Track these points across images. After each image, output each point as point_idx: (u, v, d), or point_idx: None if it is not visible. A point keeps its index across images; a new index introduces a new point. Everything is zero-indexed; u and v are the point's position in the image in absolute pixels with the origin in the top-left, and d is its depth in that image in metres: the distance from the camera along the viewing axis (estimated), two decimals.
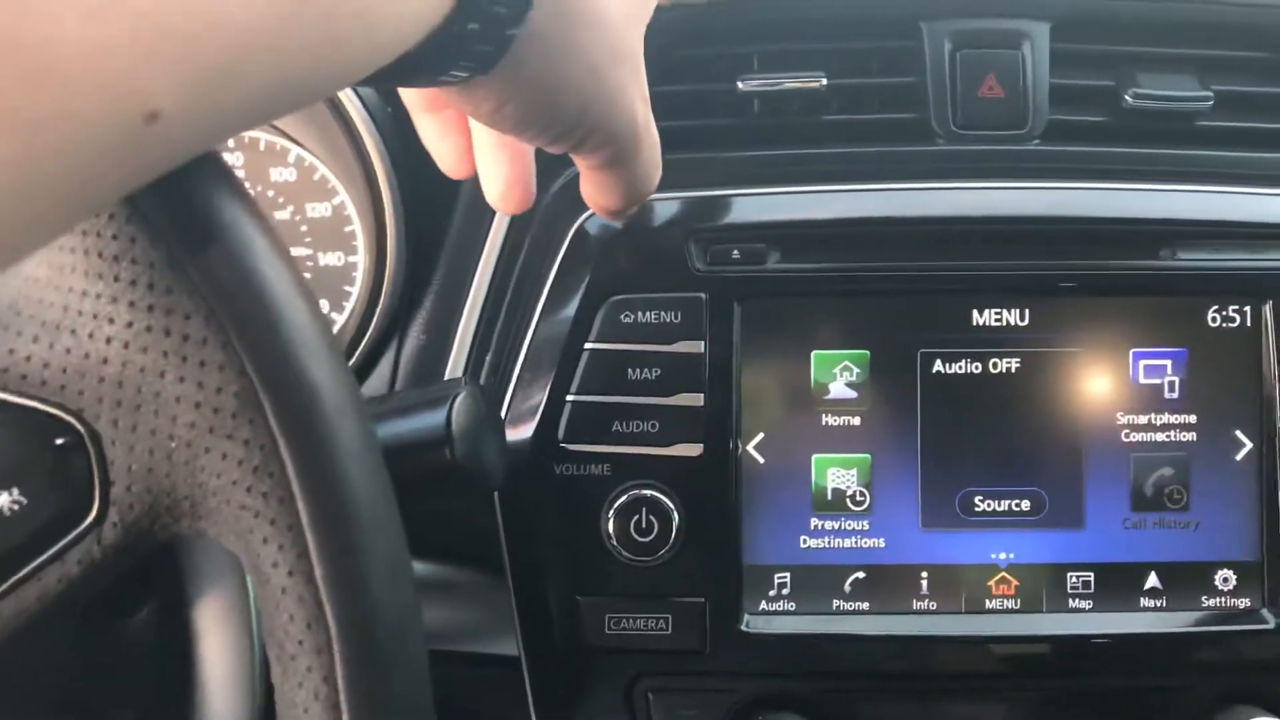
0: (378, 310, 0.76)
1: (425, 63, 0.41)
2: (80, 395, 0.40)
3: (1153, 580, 0.71)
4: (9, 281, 0.41)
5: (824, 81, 0.73)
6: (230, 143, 0.84)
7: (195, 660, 0.53)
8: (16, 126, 0.25)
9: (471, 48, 0.42)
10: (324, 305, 0.83)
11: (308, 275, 0.83)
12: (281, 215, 0.84)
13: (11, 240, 0.28)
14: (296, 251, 0.84)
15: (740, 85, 0.74)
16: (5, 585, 0.40)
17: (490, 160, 0.58)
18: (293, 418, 0.39)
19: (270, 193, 0.84)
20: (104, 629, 0.59)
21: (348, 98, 0.76)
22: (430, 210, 0.77)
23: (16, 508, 0.40)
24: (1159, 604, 0.71)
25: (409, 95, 0.58)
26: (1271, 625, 0.70)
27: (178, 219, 0.39)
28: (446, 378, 0.74)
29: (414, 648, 0.42)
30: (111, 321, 0.39)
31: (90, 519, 0.40)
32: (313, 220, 0.84)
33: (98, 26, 0.26)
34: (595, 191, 0.57)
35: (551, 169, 0.74)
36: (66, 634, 0.57)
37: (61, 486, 0.40)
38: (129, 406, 0.39)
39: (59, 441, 0.40)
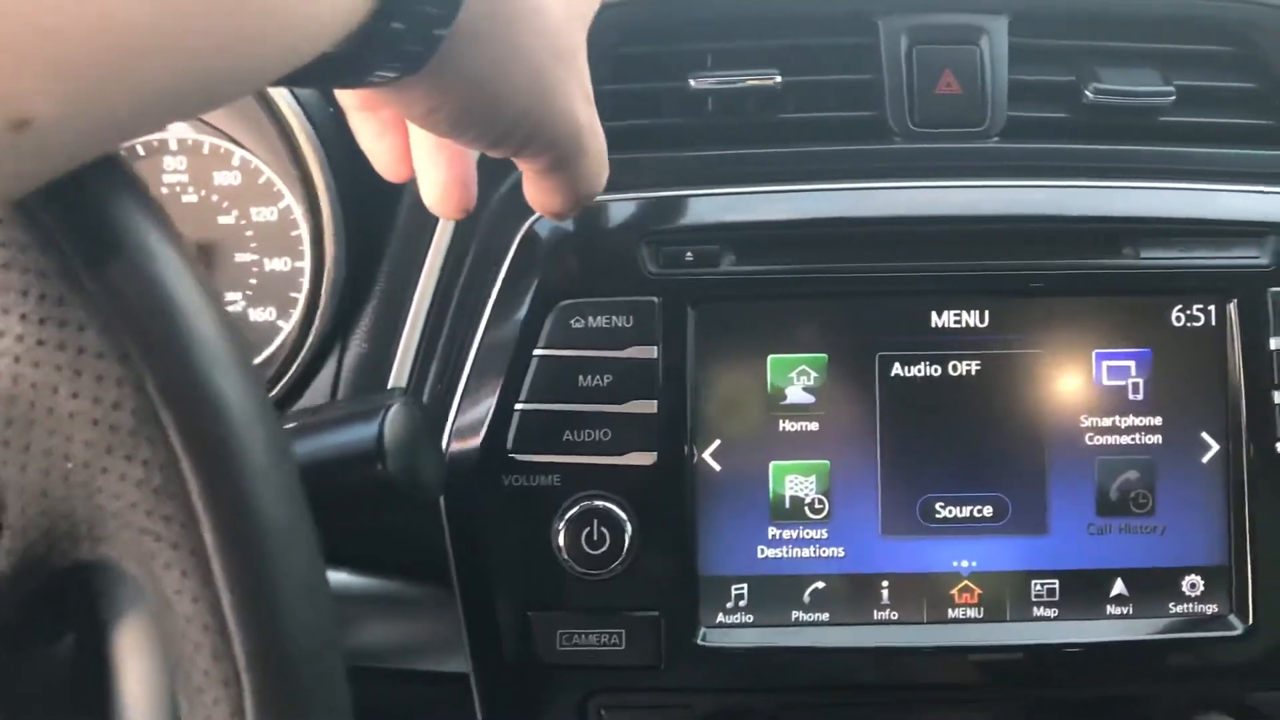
0: (317, 317, 0.73)
1: (349, 63, 0.39)
2: None
3: (1119, 587, 0.70)
4: None
5: (778, 79, 0.71)
6: (172, 145, 0.82)
7: (111, 695, 0.50)
8: None
9: (397, 48, 0.40)
10: (270, 313, 0.81)
11: (253, 281, 0.80)
12: (226, 220, 0.82)
13: None
14: (242, 258, 0.81)
15: (692, 83, 0.72)
16: None
17: (429, 163, 0.56)
18: (195, 435, 0.37)
19: (214, 197, 0.81)
20: (19, 659, 0.56)
21: (283, 98, 0.73)
22: (373, 214, 0.75)
23: None
24: (1125, 611, 0.70)
25: (344, 94, 0.56)
26: (1239, 631, 0.69)
27: (72, 224, 0.36)
28: (390, 386, 0.72)
29: (332, 680, 0.40)
30: (1, 334, 0.36)
31: None
32: (259, 225, 0.81)
33: None
34: (539, 194, 0.55)
35: (498, 169, 0.72)
36: None
37: None
38: (21, 425, 0.37)
39: None
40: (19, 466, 0.37)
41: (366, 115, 0.56)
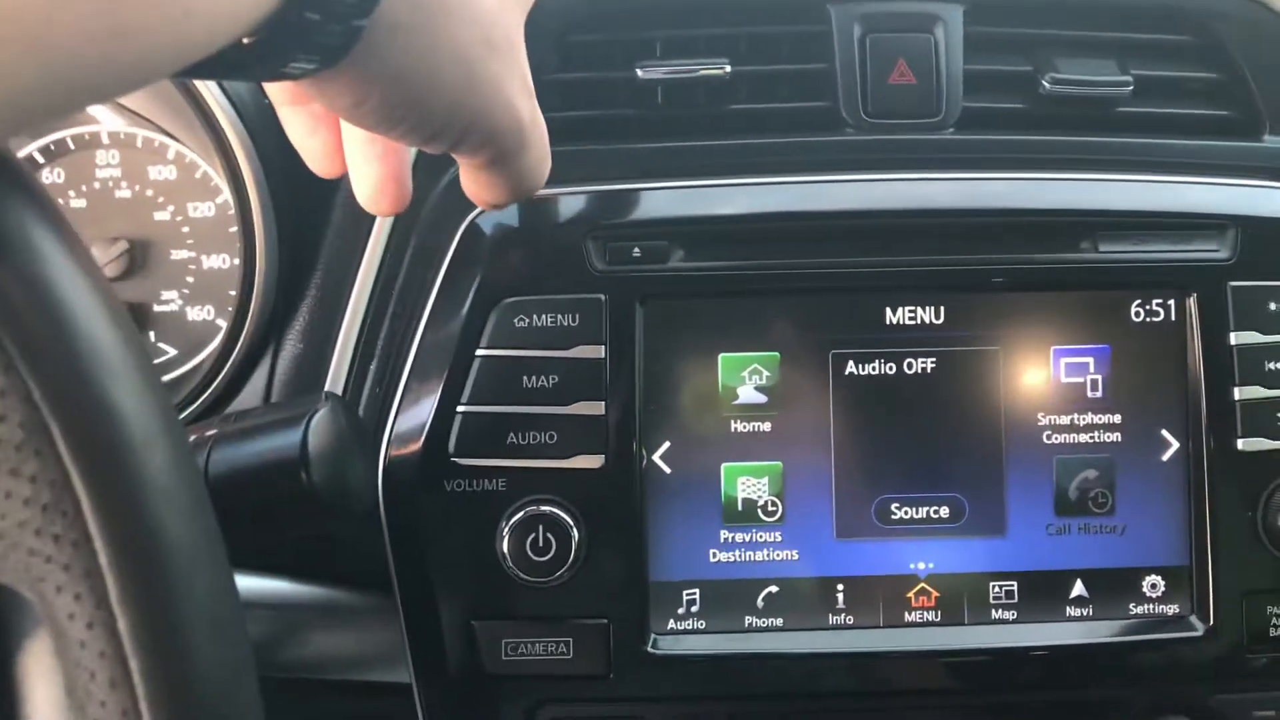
0: (249, 317, 0.70)
1: (262, 54, 0.37)
2: None
3: (1078, 588, 0.68)
4: None
5: (729, 69, 0.69)
6: (104, 139, 0.78)
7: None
8: None
9: (313, 39, 0.38)
10: (209, 312, 0.78)
11: (190, 280, 0.78)
12: (162, 216, 0.79)
13: None
14: (178, 255, 0.78)
15: (640, 73, 0.69)
16: None
17: (360, 158, 0.54)
18: (87, 448, 0.34)
19: (149, 192, 0.78)
20: None
21: (210, 90, 0.70)
22: (308, 210, 0.72)
23: None
24: (1085, 613, 0.68)
25: (271, 88, 0.54)
26: (1200, 632, 0.68)
27: None
28: (326, 388, 0.69)
29: (243, 707, 0.37)
30: None
31: None
32: (195, 220, 0.78)
33: None
34: (477, 188, 0.53)
35: (439, 162, 0.70)
36: None
37: None
38: None
39: None
40: None
41: (296, 110, 0.54)
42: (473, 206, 0.66)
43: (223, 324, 0.76)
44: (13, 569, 0.35)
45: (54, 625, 0.35)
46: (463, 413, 0.66)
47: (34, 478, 0.34)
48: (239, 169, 0.70)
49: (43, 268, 0.34)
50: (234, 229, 0.75)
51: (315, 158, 0.55)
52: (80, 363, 0.34)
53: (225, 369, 0.70)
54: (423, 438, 0.65)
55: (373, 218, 0.69)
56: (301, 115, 0.54)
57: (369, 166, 0.54)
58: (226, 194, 0.76)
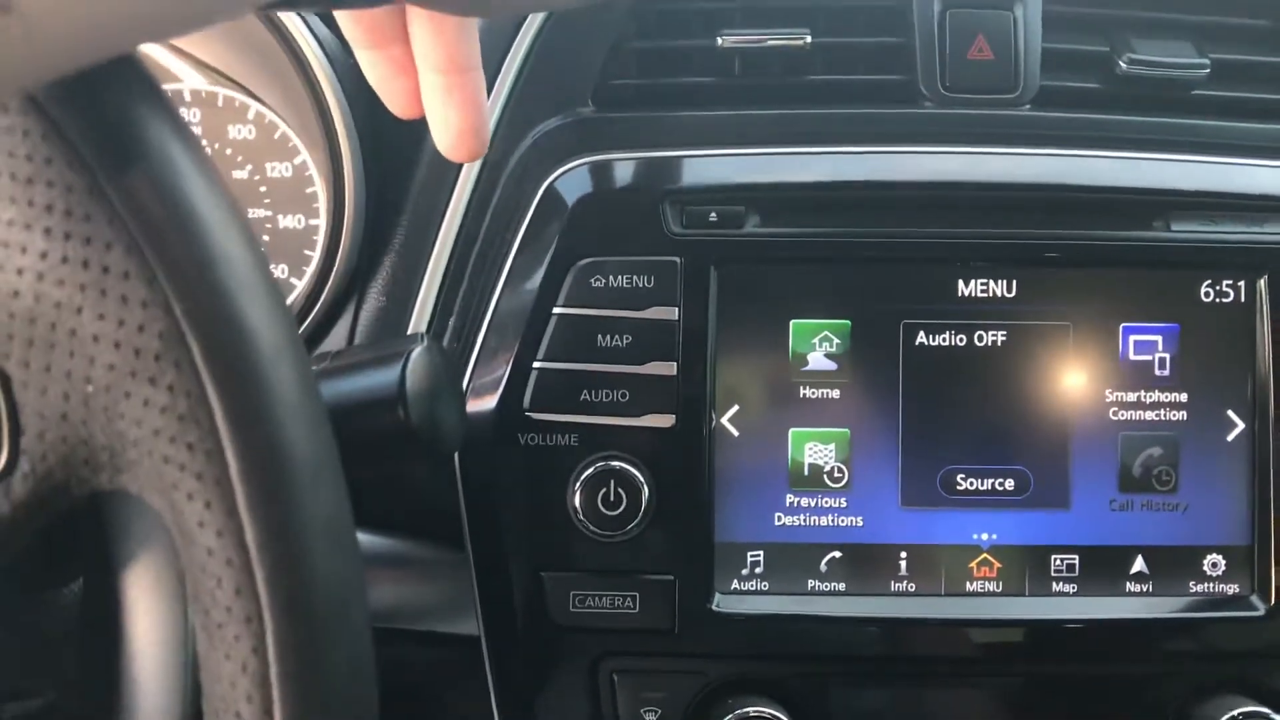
0: (334, 270, 0.72)
1: None
2: None
3: (1139, 564, 0.69)
4: None
5: (808, 39, 0.70)
6: (186, 96, 0.80)
7: (123, 632, 0.49)
8: None
9: None
10: (283, 271, 0.80)
11: (266, 239, 0.79)
12: (239, 175, 0.80)
13: None
14: (254, 214, 0.80)
15: (721, 41, 0.70)
16: None
17: (439, 105, 0.54)
18: (223, 361, 0.36)
19: (228, 151, 0.80)
20: (30, 601, 0.55)
21: (306, 44, 0.72)
22: (394, 167, 0.73)
23: None
24: (1145, 589, 0.69)
25: (350, 30, 0.54)
26: (1261, 612, 0.68)
27: (99, 139, 0.35)
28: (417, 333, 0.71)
29: (355, 619, 0.39)
30: (24, 250, 0.35)
31: None
32: (272, 180, 0.80)
33: None
34: None
35: (521, 125, 0.71)
36: None
37: None
38: (42, 345, 0.36)
39: None
40: (39, 389, 0.36)
41: (375, 53, 0.54)
42: (553, 169, 0.68)
43: (296, 283, 0.77)
44: (145, 476, 0.37)
45: (182, 532, 0.37)
46: (538, 369, 0.67)
47: (171, 387, 0.36)
48: (334, 125, 0.72)
49: (181, 181, 0.36)
50: (310, 189, 0.77)
51: (395, 100, 0.55)
52: (217, 279, 0.36)
53: (309, 320, 0.72)
54: (499, 392, 0.67)
55: (456, 177, 0.71)
56: (382, 59, 0.54)
57: (449, 114, 0.54)
58: (304, 155, 0.77)
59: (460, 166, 0.70)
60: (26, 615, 0.55)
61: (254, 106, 0.80)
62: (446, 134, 0.54)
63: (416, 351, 0.52)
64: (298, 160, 0.79)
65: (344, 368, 0.52)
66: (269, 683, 0.36)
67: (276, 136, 0.79)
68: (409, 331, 0.72)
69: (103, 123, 0.35)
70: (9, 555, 0.39)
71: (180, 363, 0.35)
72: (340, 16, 0.53)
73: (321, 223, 0.76)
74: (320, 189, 0.77)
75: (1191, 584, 0.69)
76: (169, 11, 0.31)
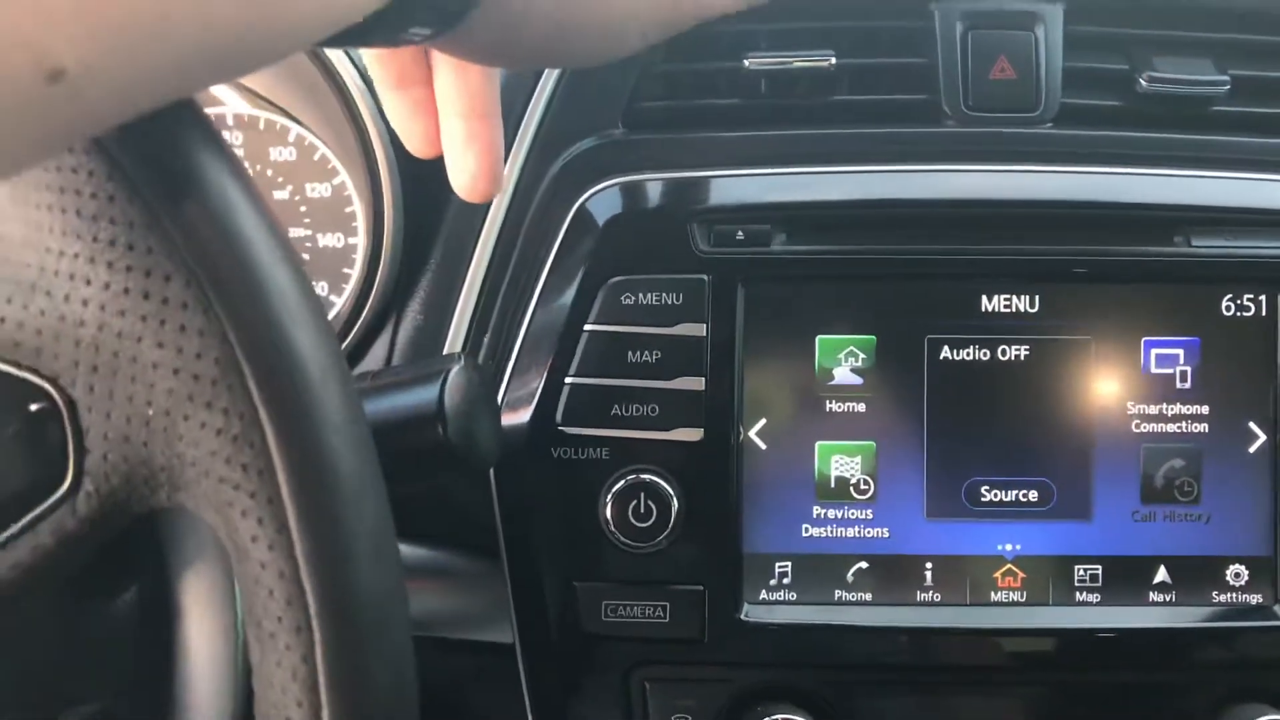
0: (374, 290, 0.74)
1: (383, 21, 0.38)
2: (55, 359, 0.38)
3: (1162, 574, 0.70)
4: None
5: (833, 61, 0.71)
6: (229, 120, 0.83)
7: (176, 641, 0.52)
8: None
9: (433, 2, 0.39)
10: (322, 288, 0.82)
11: (306, 257, 0.82)
12: (280, 195, 0.83)
13: None
14: (295, 233, 0.82)
15: (747, 63, 0.72)
16: None
17: (459, 148, 0.55)
18: (274, 386, 0.38)
19: (269, 172, 0.82)
20: (86, 610, 0.57)
21: (346, 71, 0.74)
22: (430, 189, 0.76)
23: None
24: (1168, 599, 0.70)
25: (375, 70, 0.56)
26: None
27: (158, 177, 0.37)
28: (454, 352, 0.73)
29: (398, 628, 0.41)
30: (89, 283, 0.38)
31: (64, 489, 0.39)
32: (312, 200, 0.83)
33: None
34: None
35: (553, 147, 0.73)
36: (44, 615, 0.55)
37: (34, 454, 0.39)
38: (105, 372, 0.38)
39: (32, 407, 0.39)
40: (103, 413, 0.39)
41: (398, 92, 0.56)
42: (584, 190, 0.70)
43: (335, 300, 0.80)
44: (202, 495, 0.39)
45: (236, 547, 0.39)
46: (570, 384, 0.69)
47: (226, 410, 0.38)
48: (372, 148, 0.74)
49: (235, 217, 0.38)
50: (349, 209, 0.79)
51: (414, 140, 0.57)
52: (269, 308, 0.38)
53: (350, 337, 0.74)
54: (532, 407, 0.69)
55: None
56: (404, 99, 0.56)
57: (467, 158, 0.55)
58: (343, 175, 0.80)
59: None
60: (81, 625, 0.58)
61: (294, 129, 0.82)
62: (463, 176, 0.56)
63: (454, 370, 0.54)
64: (336, 181, 0.81)
65: (385, 386, 0.54)
66: (318, 688, 0.38)
67: (316, 158, 0.82)
68: (445, 348, 0.74)
69: (162, 162, 0.37)
70: (72, 568, 0.41)
71: (234, 387, 0.38)
72: (367, 57, 0.55)
73: (360, 241, 0.79)
74: (359, 209, 0.79)
75: (1214, 594, 0.70)
76: (213, 65, 0.32)
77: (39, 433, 0.39)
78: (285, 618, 0.38)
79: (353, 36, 0.38)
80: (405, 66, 0.54)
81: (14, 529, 0.39)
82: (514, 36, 0.43)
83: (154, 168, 0.37)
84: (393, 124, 0.57)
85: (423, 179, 0.76)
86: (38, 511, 0.39)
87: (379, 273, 0.75)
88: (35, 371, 0.38)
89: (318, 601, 0.38)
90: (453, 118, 0.55)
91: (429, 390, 0.53)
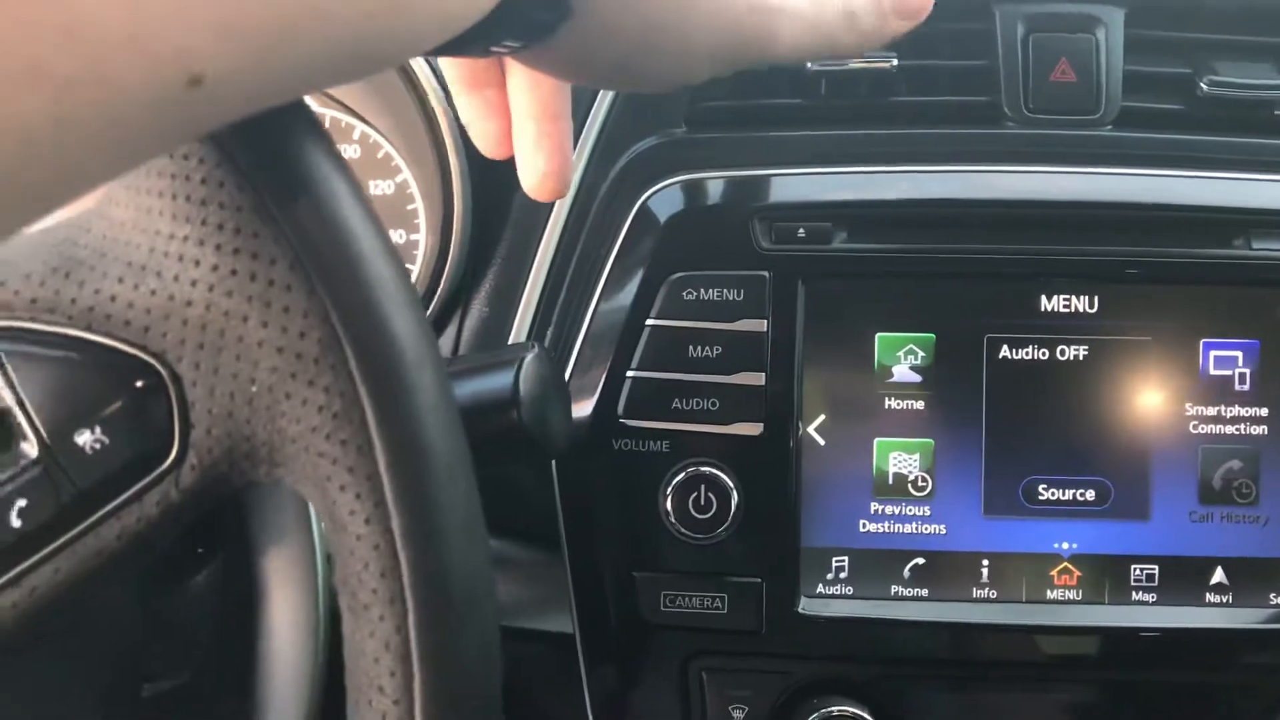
0: (441, 284, 0.76)
1: (477, 33, 0.39)
2: (163, 337, 0.40)
3: (1219, 575, 0.70)
4: (95, 223, 0.41)
5: (895, 62, 0.72)
6: None
7: (259, 614, 0.53)
8: (45, 80, 0.24)
9: (528, 16, 0.40)
10: None
11: None
12: None
13: (48, 189, 0.27)
14: None
15: (809, 64, 0.73)
16: (86, 523, 0.40)
17: (529, 149, 0.56)
18: (374, 366, 0.39)
19: None
20: (165, 587, 0.59)
21: (422, 73, 0.76)
22: (495, 183, 0.77)
23: (98, 446, 0.40)
24: (1225, 600, 0.70)
25: (450, 72, 0.57)
26: None
27: (267, 166, 0.39)
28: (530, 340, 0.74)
29: (486, 602, 0.42)
30: (197, 264, 0.39)
31: (169, 461, 0.41)
32: (376, 197, 0.84)
33: None
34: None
35: (616, 145, 0.74)
36: (128, 592, 0.57)
37: (142, 428, 0.40)
38: (211, 350, 0.40)
39: (140, 383, 0.40)
40: (208, 389, 0.40)
41: (473, 95, 0.57)
42: (646, 187, 0.71)
43: None
44: (301, 469, 0.41)
45: (334, 521, 0.40)
46: (632, 378, 0.70)
47: (328, 388, 0.39)
48: (444, 146, 0.76)
49: (338, 206, 0.40)
50: (411, 206, 0.81)
51: (486, 141, 0.58)
52: (368, 290, 0.39)
53: None
54: (594, 399, 0.70)
55: None
56: (477, 100, 0.57)
57: (537, 158, 0.56)
58: (405, 173, 0.82)
59: None
60: (160, 602, 0.59)
61: (359, 127, 0.84)
62: (533, 176, 0.57)
63: (529, 358, 0.56)
64: (399, 179, 0.83)
65: (460, 372, 0.55)
66: (410, 659, 0.40)
67: (380, 156, 0.84)
68: (510, 340, 0.75)
69: (270, 150, 0.39)
70: (172, 539, 0.43)
71: (336, 366, 0.39)
72: (444, 60, 0.56)
73: (421, 237, 0.80)
74: (420, 205, 0.81)
75: (1272, 596, 0.70)
76: (331, 71, 0.34)
77: (146, 407, 0.40)
78: (380, 590, 0.40)
79: (452, 46, 0.39)
80: (479, 69, 0.55)
81: (121, 499, 0.40)
82: (593, 57, 0.44)
83: (263, 156, 0.39)
84: (465, 124, 0.58)
85: (489, 178, 0.77)
86: (144, 483, 0.41)
87: (447, 267, 0.77)
88: (144, 349, 0.40)
89: (412, 574, 0.40)
90: (524, 119, 0.56)
91: (504, 376, 0.55)
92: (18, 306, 0.40)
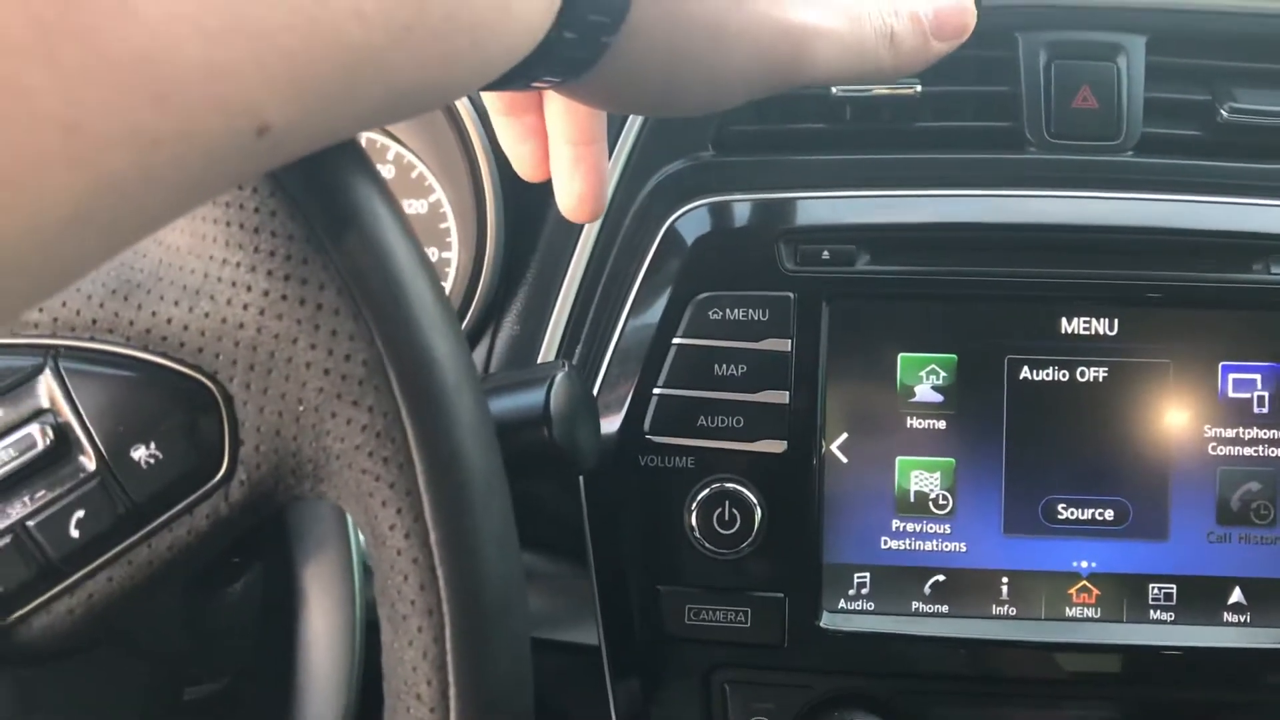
0: (474, 302, 0.78)
1: (518, 73, 0.41)
2: (216, 358, 0.42)
3: (1237, 595, 0.71)
4: (152, 249, 0.43)
5: (918, 88, 0.74)
6: None
7: (298, 621, 0.55)
8: (139, 141, 0.26)
9: (564, 55, 0.42)
10: None
11: None
12: None
13: (130, 230, 0.29)
14: None
15: (833, 90, 0.75)
16: (139, 534, 0.42)
17: (566, 172, 0.59)
18: (416, 387, 0.41)
19: None
20: (205, 595, 0.61)
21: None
22: (527, 203, 0.79)
23: (152, 461, 0.42)
24: (1243, 619, 0.71)
25: (490, 99, 0.59)
26: None
27: (318, 196, 0.41)
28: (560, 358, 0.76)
29: (519, 614, 0.44)
30: (249, 289, 0.41)
31: (219, 476, 0.43)
32: (409, 216, 0.86)
33: (217, 49, 0.27)
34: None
35: (645, 168, 0.76)
36: (171, 599, 0.59)
37: (194, 444, 0.42)
38: (261, 370, 0.42)
39: (194, 401, 0.42)
40: (257, 408, 0.42)
41: (511, 119, 0.59)
42: (674, 209, 0.72)
43: None
44: (344, 485, 0.43)
45: (375, 535, 0.42)
46: (658, 395, 0.71)
47: (371, 408, 0.41)
48: (479, 168, 0.78)
49: (384, 234, 0.41)
50: (443, 225, 0.83)
51: (524, 164, 0.60)
52: (411, 316, 0.41)
53: None
54: (621, 416, 0.71)
55: None
56: (515, 124, 0.59)
57: (574, 181, 0.59)
58: (439, 193, 0.84)
59: None
60: (199, 608, 0.61)
61: (394, 147, 0.86)
62: (569, 198, 0.59)
63: (559, 375, 0.57)
64: (432, 198, 0.85)
65: (493, 390, 0.57)
66: (446, 668, 0.41)
67: (414, 176, 0.86)
68: (539, 357, 0.77)
69: (320, 182, 0.41)
70: (218, 551, 0.45)
71: (380, 387, 0.41)
72: None
73: (454, 256, 0.82)
74: (453, 225, 0.83)
75: None
76: (384, 114, 0.36)
77: (199, 425, 0.42)
78: (418, 601, 0.41)
79: (494, 84, 0.41)
80: (518, 97, 0.57)
81: (174, 512, 0.42)
82: (628, 89, 0.46)
83: (313, 187, 0.41)
84: (504, 148, 0.60)
85: (521, 198, 0.79)
86: (195, 497, 0.42)
87: (480, 285, 0.78)
88: (197, 369, 0.42)
89: (449, 587, 0.41)
90: (561, 144, 0.58)
91: (535, 394, 0.56)
92: (78, 326, 0.42)
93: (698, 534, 0.70)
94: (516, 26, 0.38)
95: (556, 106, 0.57)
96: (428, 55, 0.34)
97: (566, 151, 0.58)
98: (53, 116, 0.24)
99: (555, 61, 0.41)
